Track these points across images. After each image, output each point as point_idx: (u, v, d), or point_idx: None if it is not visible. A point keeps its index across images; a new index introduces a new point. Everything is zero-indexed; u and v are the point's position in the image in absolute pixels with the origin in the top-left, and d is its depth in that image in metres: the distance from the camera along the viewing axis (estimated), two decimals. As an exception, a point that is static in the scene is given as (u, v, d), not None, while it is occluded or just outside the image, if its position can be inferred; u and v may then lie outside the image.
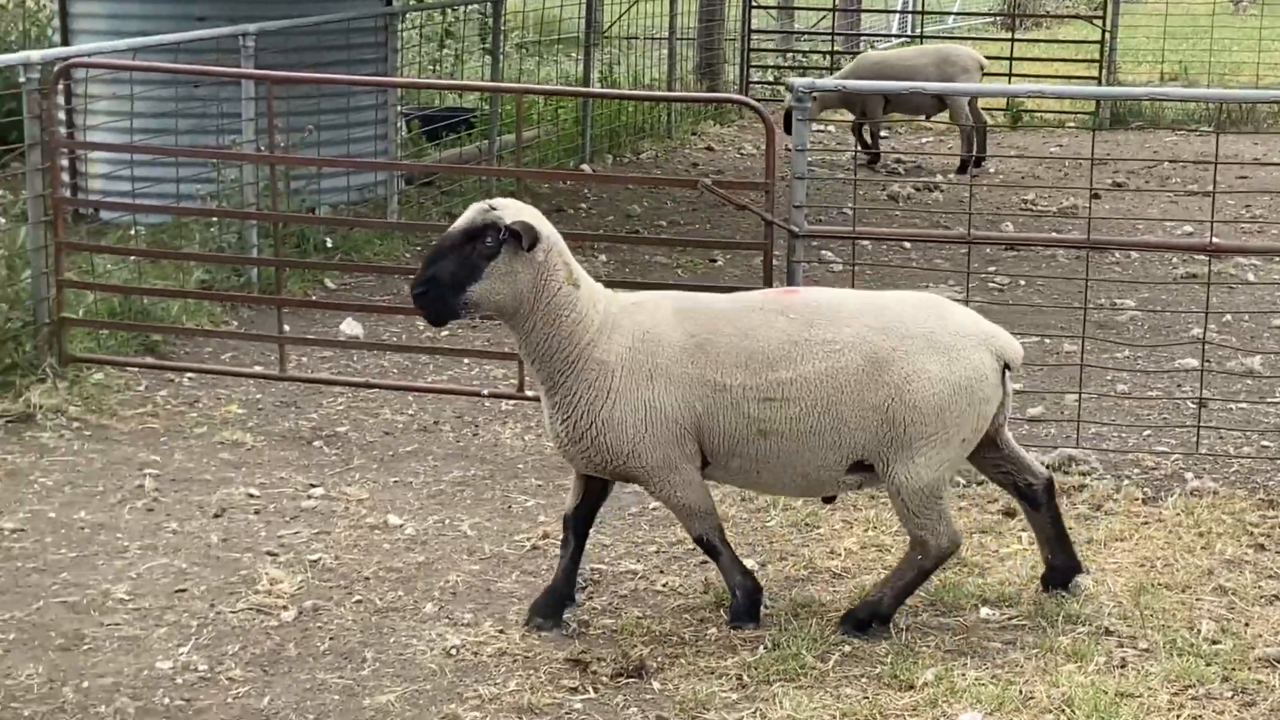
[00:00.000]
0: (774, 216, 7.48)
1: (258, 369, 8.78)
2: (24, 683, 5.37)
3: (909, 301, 5.78)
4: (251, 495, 7.09)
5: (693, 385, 5.57)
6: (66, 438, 7.74)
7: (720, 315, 5.70)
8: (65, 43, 11.74)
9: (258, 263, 9.66)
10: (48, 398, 7.98)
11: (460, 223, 5.49)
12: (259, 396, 8.50)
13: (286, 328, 8.67)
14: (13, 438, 7.66)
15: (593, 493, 5.89)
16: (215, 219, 9.93)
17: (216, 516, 6.86)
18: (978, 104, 15.42)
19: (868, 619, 5.74)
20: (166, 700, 5.27)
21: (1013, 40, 21.17)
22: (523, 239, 5.42)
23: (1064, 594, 5.98)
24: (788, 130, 14.87)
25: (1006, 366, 5.69)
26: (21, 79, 8.12)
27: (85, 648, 5.64)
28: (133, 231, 10.43)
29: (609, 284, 5.89)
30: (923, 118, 16.88)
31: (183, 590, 6.12)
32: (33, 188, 8.27)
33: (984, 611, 5.92)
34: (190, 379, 8.63)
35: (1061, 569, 6.03)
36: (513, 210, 5.50)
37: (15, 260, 8.50)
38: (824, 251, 11.39)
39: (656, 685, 5.40)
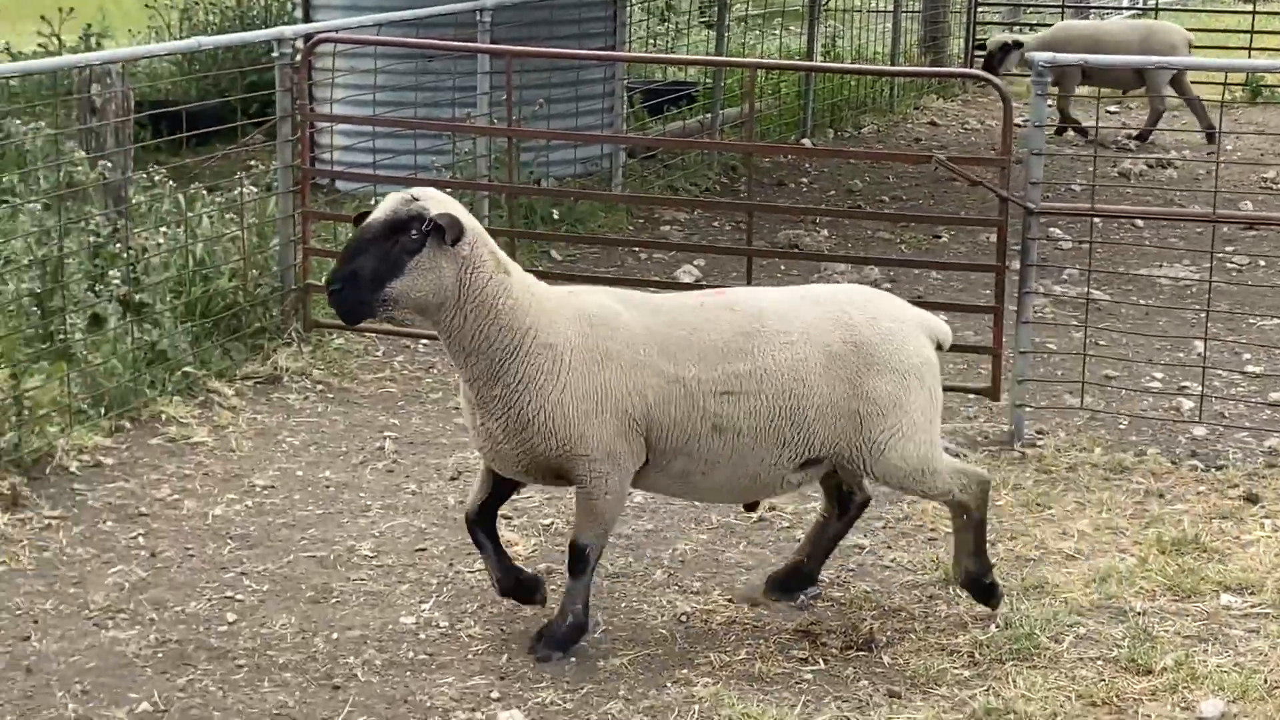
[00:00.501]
0: (1009, 193, 7.42)
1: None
2: (278, 632, 5.63)
3: (844, 292, 5.74)
4: (485, 460, 7.29)
5: (645, 373, 5.34)
6: (311, 400, 8.04)
7: (662, 309, 5.51)
8: (307, 19, 12.11)
9: (491, 233, 9.84)
10: (293, 361, 8.29)
11: (381, 215, 5.16)
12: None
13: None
14: (261, 399, 7.98)
15: (497, 494, 5.67)
16: (448, 190, 10.13)
17: (453, 479, 7.07)
18: (1187, 80, 15.06)
19: (980, 586, 5.67)
20: (410, 654, 5.47)
21: (1254, 13, 20.53)
22: (446, 233, 5.11)
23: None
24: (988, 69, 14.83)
25: (939, 346, 5.68)
26: (274, 53, 8.43)
27: (333, 601, 5.89)
28: (372, 201, 10.72)
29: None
30: (1121, 93, 16.56)
31: (422, 549, 6.34)
32: (283, 158, 8.58)
33: (1225, 598, 5.85)
34: (425, 345, 8.86)
35: (803, 576, 5.90)
36: (436, 202, 5.21)
37: (265, 228, 8.82)
38: (1052, 229, 11.25)
39: (886, 659, 5.45)
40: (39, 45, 13.88)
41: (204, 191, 9.03)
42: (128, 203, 8.33)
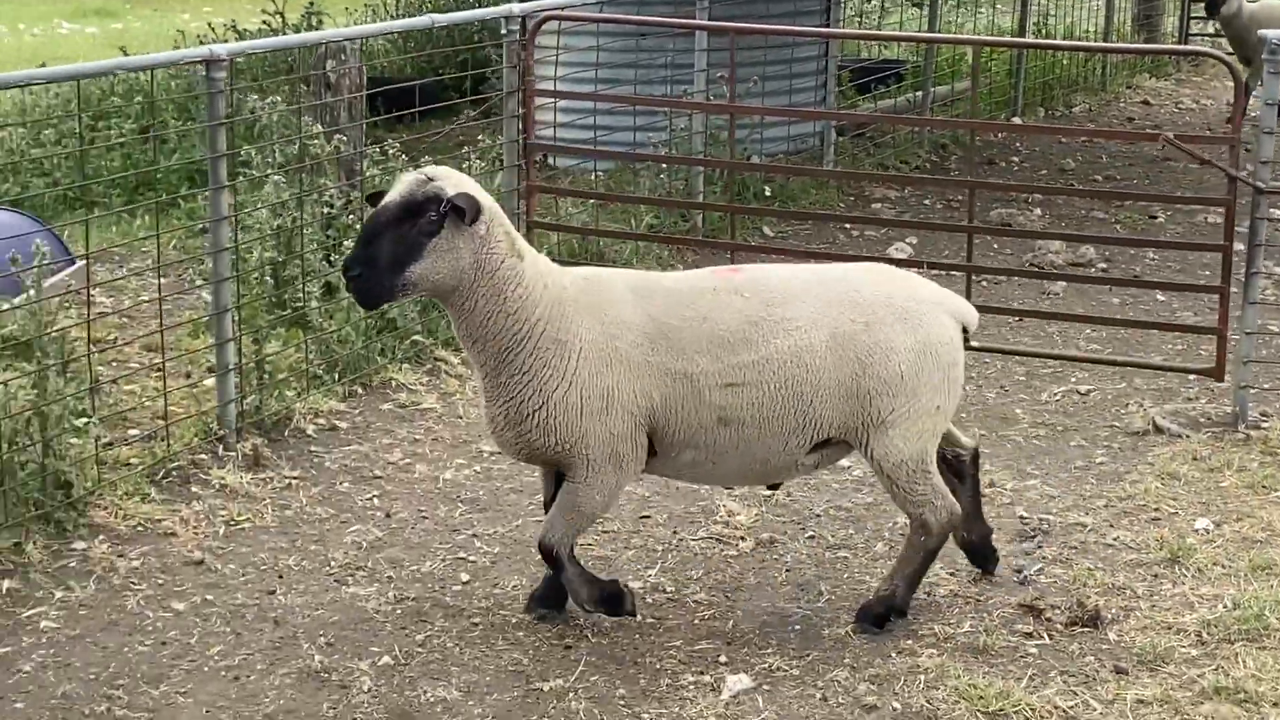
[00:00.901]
0: (1239, 172, 7.32)
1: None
2: (510, 593, 5.83)
3: (858, 271, 5.58)
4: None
5: (654, 374, 5.24)
6: (532, 370, 8.22)
7: (675, 296, 5.36)
8: (527, -3, 12.31)
9: (708, 208, 9.98)
10: (516, 331, 8.47)
11: (396, 196, 5.05)
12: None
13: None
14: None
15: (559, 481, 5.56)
16: (664, 165, 10.29)
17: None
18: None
19: (884, 612, 5.51)
20: (639, 617, 5.61)
21: None
22: (465, 213, 5.01)
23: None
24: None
25: (964, 330, 5.51)
26: (503, 30, 8.63)
27: (562, 564, 6.07)
28: (593, 176, 10.95)
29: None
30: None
31: (646, 517, 6.49)
32: (509, 133, 8.79)
33: None
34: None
35: (978, 545, 5.86)
36: (453, 181, 5.10)
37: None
38: (1275, 210, 10.99)
39: (1112, 635, 5.46)
40: (263, 23, 14.34)
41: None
42: (361, 175, 8.60)
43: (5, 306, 6.76)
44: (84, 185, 10.44)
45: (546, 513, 5.49)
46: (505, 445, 5.39)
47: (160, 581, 5.88)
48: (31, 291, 6.37)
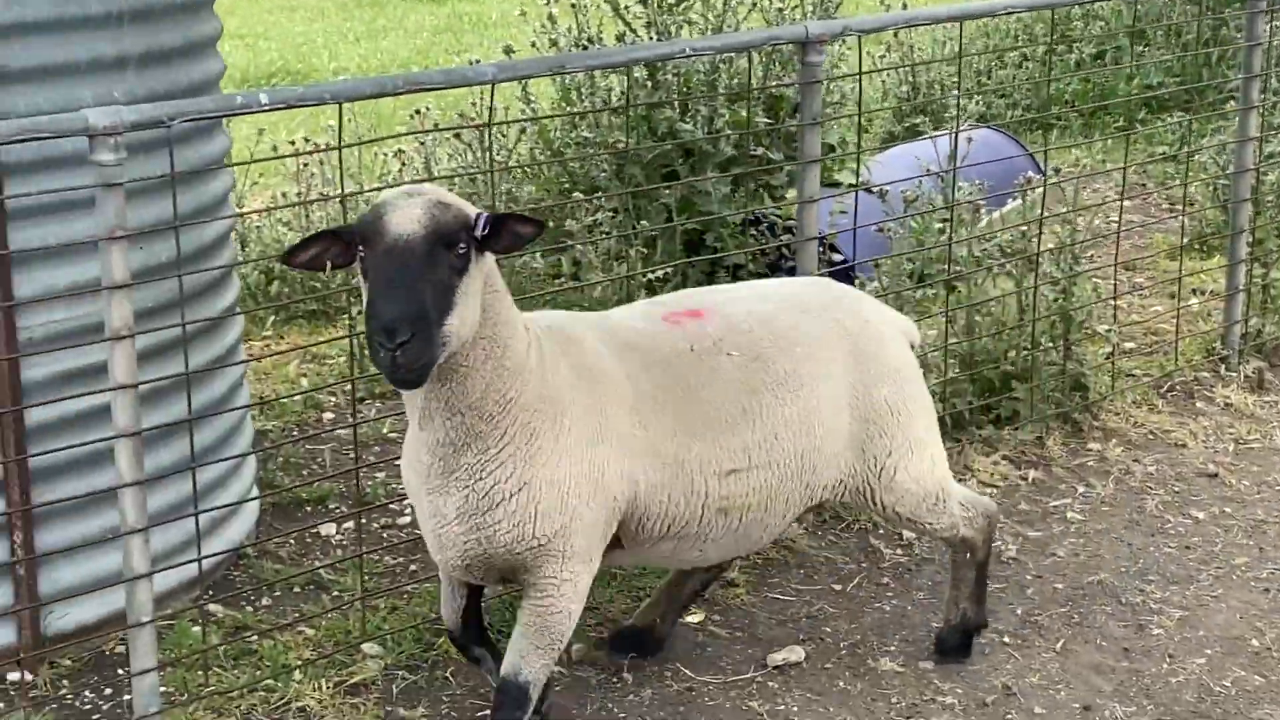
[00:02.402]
0: None
1: None
2: None
3: (819, 295, 4.61)
4: None
5: (643, 454, 4.11)
6: None
7: (651, 356, 4.23)
8: None
9: None
10: None
11: (406, 225, 3.61)
12: None
13: None
14: None
15: (472, 604, 4.40)
16: None
17: None
18: None
19: (965, 639, 4.90)
20: None
21: None
22: (500, 239, 3.75)
23: None
24: None
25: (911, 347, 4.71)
26: None
27: None
28: None
29: None
30: None
31: None
32: None
33: None
34: None
35: (654, 639, 4.92)
36: (452, 197, 3.80)
37: None
38: None
39: None
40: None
41: None
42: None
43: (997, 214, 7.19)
44: (1043, 107, 10.82)
45: (459, 632, 4.40)
46: (444, 546, 4.01)
47: (1176, 489, 6.11)
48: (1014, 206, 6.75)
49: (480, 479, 3.90)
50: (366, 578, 5.19)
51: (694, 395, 4.20)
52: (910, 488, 4.56)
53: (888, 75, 11.19)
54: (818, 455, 4.39)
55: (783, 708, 4.64)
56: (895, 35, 11.24)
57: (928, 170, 6.99)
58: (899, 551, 5.60)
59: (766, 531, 4.46)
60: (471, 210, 3.74)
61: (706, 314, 4.38)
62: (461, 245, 3.64)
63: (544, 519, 3.95)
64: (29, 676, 4.76)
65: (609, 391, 4.06)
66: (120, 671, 4.78)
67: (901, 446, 4.53)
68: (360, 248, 3.65)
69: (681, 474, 4.17)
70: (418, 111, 8.73)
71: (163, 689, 4.50)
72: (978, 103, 10.56)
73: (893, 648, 4.99)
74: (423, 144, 8.49)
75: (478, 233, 3.68)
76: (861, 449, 4.48)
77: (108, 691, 4.73)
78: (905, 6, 9.63)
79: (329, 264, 3.76)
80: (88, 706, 4.66)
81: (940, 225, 6.72)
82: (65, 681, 4.77)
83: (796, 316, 4.45)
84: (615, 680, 4.81)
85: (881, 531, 5.71)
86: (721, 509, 4.26)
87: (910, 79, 11.08)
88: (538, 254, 6.65)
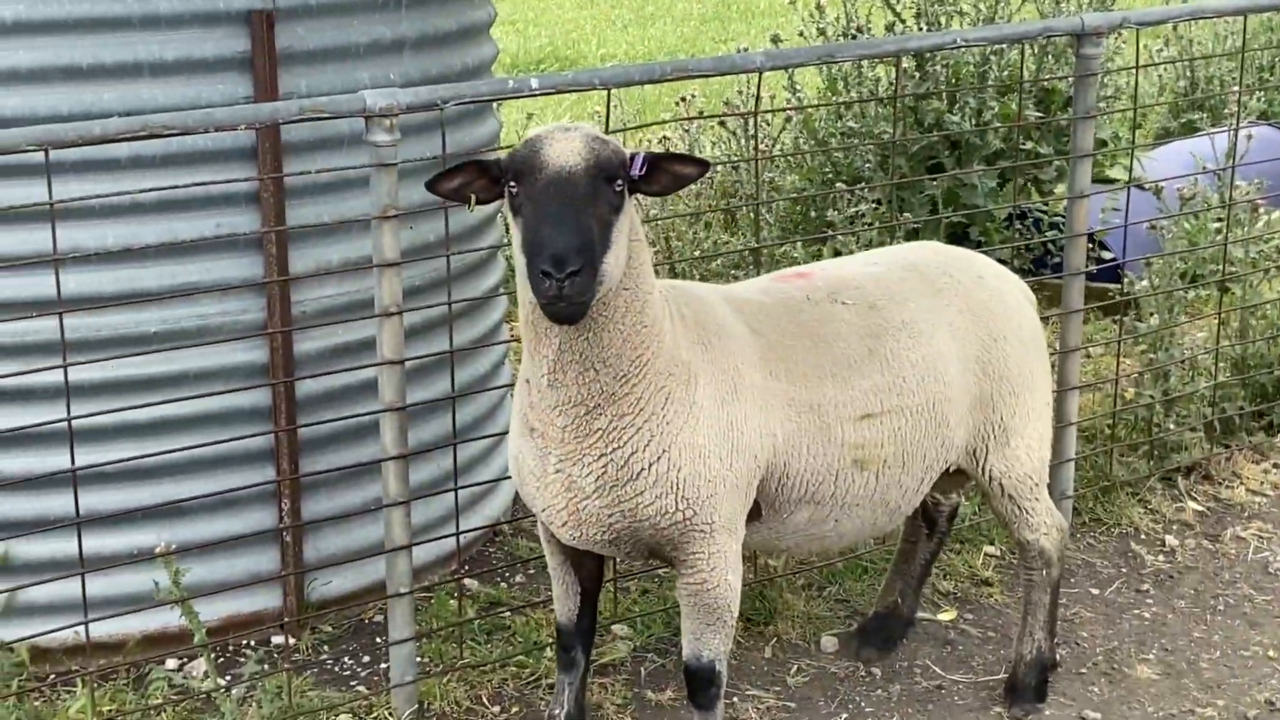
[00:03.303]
0: None
1: None
2: None
3: (924, 254, 4.47)
4: None
5: (777, 404, 3.91)
6: None
7: (768, 310, 4.06)
8: None
9: None
10: None
11: (568, 159, 3.50)
12: None
13: None
14: None
15: (588, 590, 4.18)
16: None
17: None
18: None
19: (1042, 677, 4.59)
20: None
21: None
22: (657, 179, 3.63)
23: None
24: None
25: None
26: None
27: None
28: None
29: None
30: None
31: None
32: None
33: None
34: None
35: (901, 621, 4.88)
36: (599, 132, 3.65)
37: None
38: None
39: None
40: None
41: None
42: None
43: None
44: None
45: (570, 627, 4.23)
46: (584, 523, 3.83)
47: None
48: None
49: (617, 445, 3.72)
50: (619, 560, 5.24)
51: (818, 339, 4.07)
52: (1021, 457, 4.40)
53: (1165, 69, 10.87)
54: (949, 406, 4.22)
55: (1034, 713, 4.56)
56: (1174, 29, 10.92)
57: (1204, 167, 6.79)
58: (1160, 558, 5.46)
59: (905, 498, 4.25)
60: (627, 149, 3.66)
61: (815, 274, 4.30)
62: (619, 182, 3.54)
63: (687, 486, 3.77)
64: (291, 641, 4.92)
65: (737, 348, 3.92)
66: (378, 640, 4.91)
67: (1024, 411, 4.38)
68: (513, 183, 3.55)
69: (817, 419, 4.01)
70: (683, 99, 8.79)
71: (418, 659, 4.62)
72: (1259, 99, 10.20)
73: (1150, 656, 4.87)
74: (687, 131, 8.53)
75: (634, 172, 3.59)
76: (988, 406, 4.31)
77: (365, 659, 4.87)
78: (1185, 0, 9.35)
79: (474, 197, 3.68)
80: (346, 672, 4.80)
81: (1216, 225, 6.52)
82: (325, 647, 4.92)
83: (905, 273, 4.34)
84: (865, 675, 4.78)
85: (1143, 537, 5.57)
86: (857, 460, 4.08)
87: (1189, 74, 10.75)
88: (798, 243, 6.62)
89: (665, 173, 3.65)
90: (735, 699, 4.60)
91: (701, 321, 3.89)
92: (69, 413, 4.08)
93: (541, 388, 3.71)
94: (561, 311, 3.47)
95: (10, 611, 4.56)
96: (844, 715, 4.58)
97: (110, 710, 4.41)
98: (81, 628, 4.21)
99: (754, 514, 4.02)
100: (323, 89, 4.65)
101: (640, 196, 3.80)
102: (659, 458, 3.73)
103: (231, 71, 4.55)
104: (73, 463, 4.15)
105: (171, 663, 4.75)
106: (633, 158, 3.60)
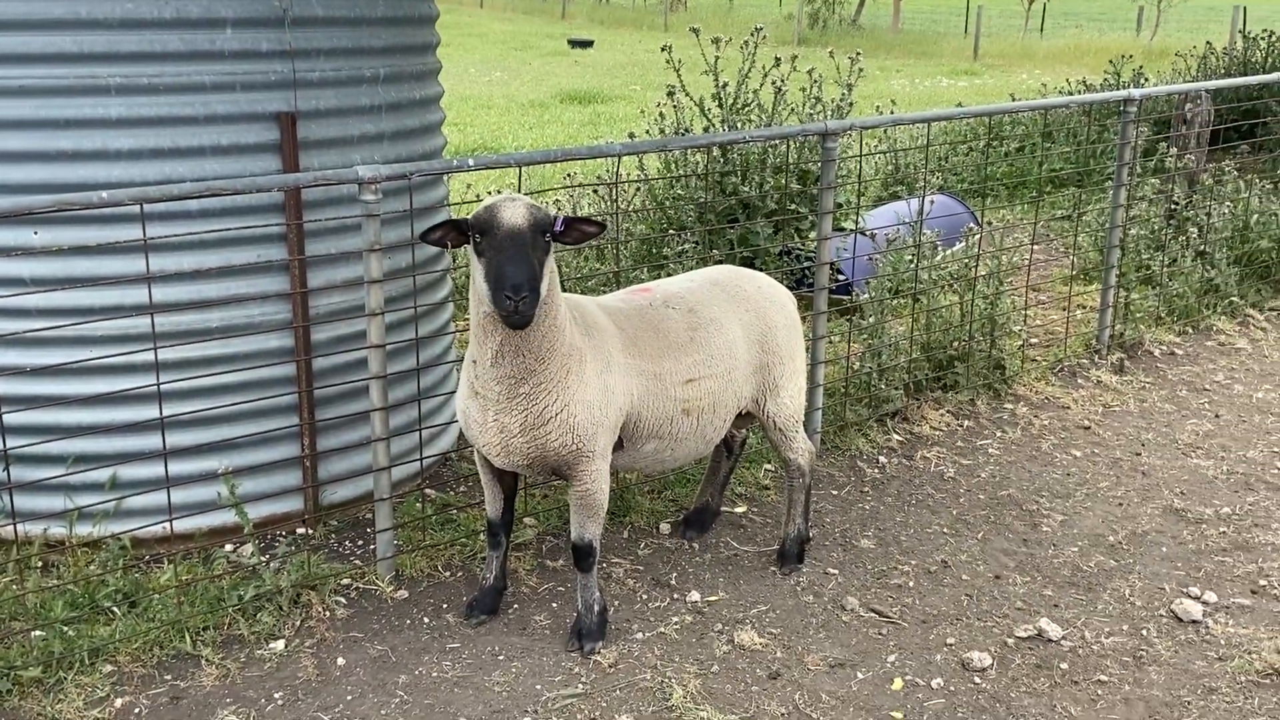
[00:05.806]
0: None
1: None
2: (1321, 481, 5.40)
3: (725, 273, 4.46)
4: None
5: (633, 373, 3.97)
6: (1319, 330, 7.50)
7: (627, 313, 4.10)
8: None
9: None
10: (1307, 301, 7.76)
11: (517, 220, 3.50)
12: None
13: None
14: (1283, 324, 7.59)
15: (508, 496, 4.19)
16: None
17: None
18: None
19: (800, 548, 4.64)
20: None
21: None
22: (568, 234, 3.66)
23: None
24: None
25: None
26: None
27: (1360, 468, 5.53)
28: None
29: None
30: None
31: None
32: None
33: None
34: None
35: (711, 513, 4.88)
36: (532, 200, 3.64)
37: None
38: None
39: None
40: (1104, 80, 13.73)
41: (1255, 179, 8.62)
42: (1199, 184, 8.14)
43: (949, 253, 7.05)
44: (982, 181, 10.61)
45: (498, 520, 4.19)
46: (510, 453, 3.83)
47: (1062, 436, 5.96)
48: (960, 246, 6.61)
49: (535, 402, 3.73)
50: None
51: (658, 331, 4.08)
52: (786, 404, 4.43)
53: (879, 157, 11.02)
54: (739, 373, 4.26)
55: (795, 571, 4.59)
56: (885, 132, 11.07)
57: (903, 221, 6.90)
58: (875, 471, 5.54)
59: (715, 433, 4.25)
60: (551, 212, 3.64)
61: (655, 289, 4.29)
62: (547, 235, 3.54)
63: (579, 428, 3.78)
64: (310, 531, 4.84)
65: (609, 337, 3.93)
66: (368, 530, 4.84)
67: (788, 374, 4.42)
68: (478, 235, 3.51)
69: (659, 383, 4.02)
70: (570, 175, 8.72)
71: (395, 542, 4.56)
72: (938, 177, 10.38)
73: (869, 534, 4.94)
74: (572, 195, 8.48)
75: (557, 228, 3.58)
76: (765, 371, 4.36)
77: (360, 543, 4.79)
78: (893, 112, 9.47)
79: (449, 244, 3.64)
80: (347, 552, 4.72)
81: (910, 257, 6.62)
82: (333, 536, 4.84)
83: (712, 287, 4.35)
84: (688, 548, 4.79)
85: (865, 458, 5.65)
86: (685, 409, 4.10)
87: (894, 160, 10.92)
88: (645, 269, 6.60)
89: (576, 230, 3.64)
90: (604, 565, 4.61)
91: (586, 321, 3.89)
92: (158, 380, 4.00)
93: (485, 366, 3.70)
94: (518, 321, 3.47)
95: (119, 514, 4.44)
96: (675, 573, 4.60)
97: (187, 578, 4.31)
98: (167, 524, 4.10)
99: (618, 446, 4.03)
100: (329, 165, 4.56)
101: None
102: (561, 410, 3.75)
103: (267, 153, 4.44)
104: (160, 413, 4.05)
105: (229, 547, 4.65)
106: (555, 219, 3.57)
